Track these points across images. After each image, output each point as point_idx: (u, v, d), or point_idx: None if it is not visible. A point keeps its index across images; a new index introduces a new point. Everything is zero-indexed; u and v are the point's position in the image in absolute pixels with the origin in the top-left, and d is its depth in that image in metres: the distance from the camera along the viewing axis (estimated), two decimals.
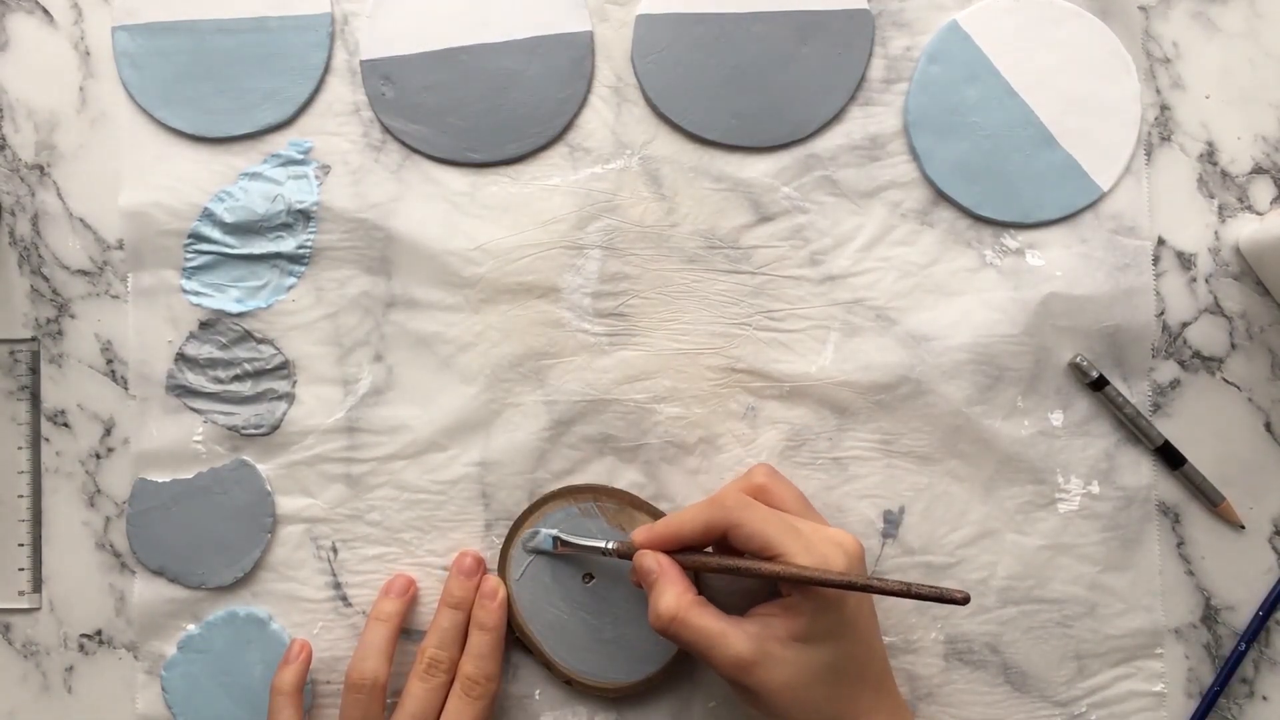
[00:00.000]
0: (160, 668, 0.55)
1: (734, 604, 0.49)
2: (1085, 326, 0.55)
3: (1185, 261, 0.56)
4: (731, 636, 0.46)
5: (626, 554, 0.51)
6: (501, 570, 0.54)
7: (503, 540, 0.55)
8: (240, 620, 0.55)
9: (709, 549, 0.50)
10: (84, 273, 0.57)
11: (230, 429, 0.56)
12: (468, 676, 0.52)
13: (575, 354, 0.55)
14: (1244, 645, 0.55)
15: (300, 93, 0.56)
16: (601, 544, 0.52)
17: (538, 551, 0.54)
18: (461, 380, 0.55)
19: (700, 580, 0.53)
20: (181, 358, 0.56)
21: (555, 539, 0.53)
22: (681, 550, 0.50)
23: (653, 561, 0.49)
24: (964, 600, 0.43)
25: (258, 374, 0.55)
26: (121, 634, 0.56)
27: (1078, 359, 0.55)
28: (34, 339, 0.57)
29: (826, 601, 0.46)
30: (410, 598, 0.54)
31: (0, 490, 0.56)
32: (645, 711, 0.55)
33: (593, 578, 0.54)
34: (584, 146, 0.56)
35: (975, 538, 0.55)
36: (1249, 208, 0.56)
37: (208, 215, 0.56)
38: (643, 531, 0.50)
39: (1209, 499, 0.55)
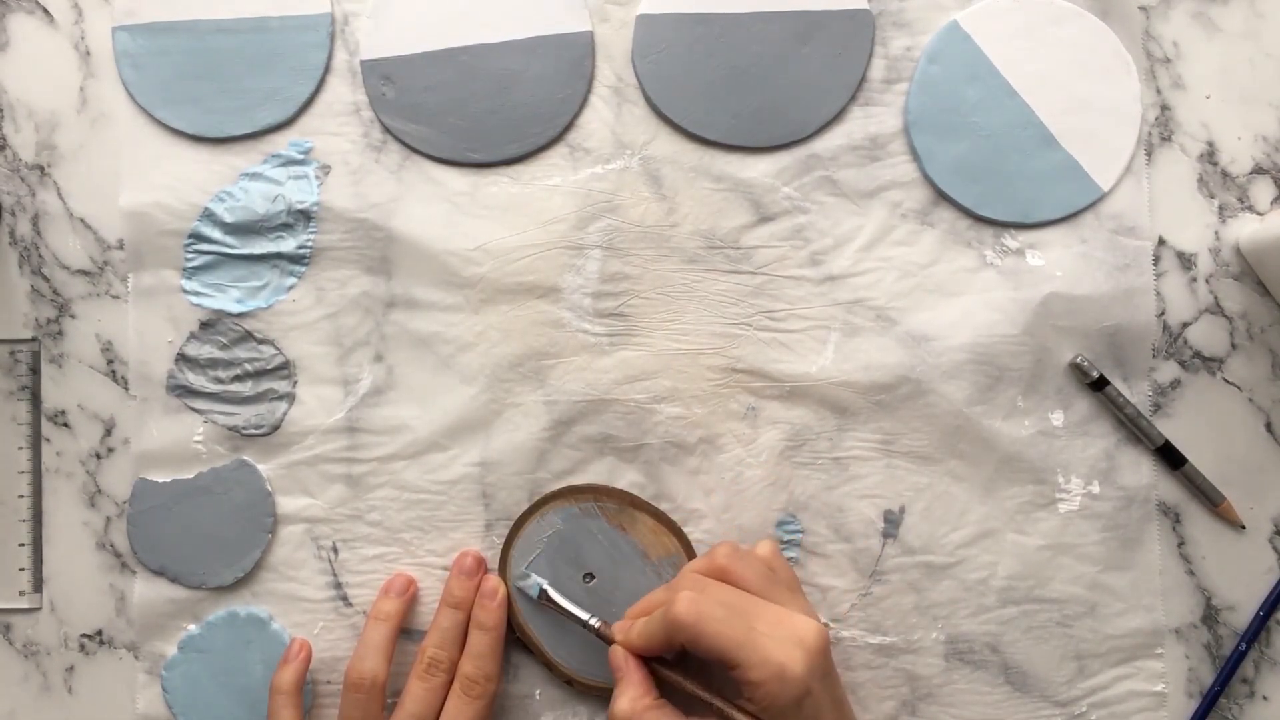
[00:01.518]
0: (161, 668, 0.55)
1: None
2: (1085, 326, 0.55)
3: (1185, 261, 0.56)
4: None
5: (604, 638, 0.51)
6: (502, 570, 0.54)
7: (503, 541, 0.55)
8: (241, 620, 0.55)
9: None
10: (84, 273, 0.57)
11: (231, 429, 0.56)
12: (467, 676, 0.52)
13: (576, 354, 0.55)
14: (1244, 645, 0.55)
15: (300, 93, 0.56)
16: (584, 618, 0.52)
17: (521, 593, 0.54)
18: (462, 380, 0.55)
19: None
20: (182, 358, 0.56)
21: (542, 591, 0.53)
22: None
23: (620, 660, 0.50)
24: None
25: (258, 374, 0.56)
26: (122, 634, 0.56)
27: (1079, 359, 0.55)
28: (34, 339, 0.57)
29: (784, 705, 0.46)
30: (410, 597, 0.54)
31: (0, 490, 0.57)
32: None
33: (593, 577, 0.54)
34: (584, 146, 0.56)
35: (976, 537, 0.55)
36: (1249, 208, 0.56)
37: (208, 215, 0.56)
38: (621, 629, 0.51)
39: (1209, 499, 0.55)
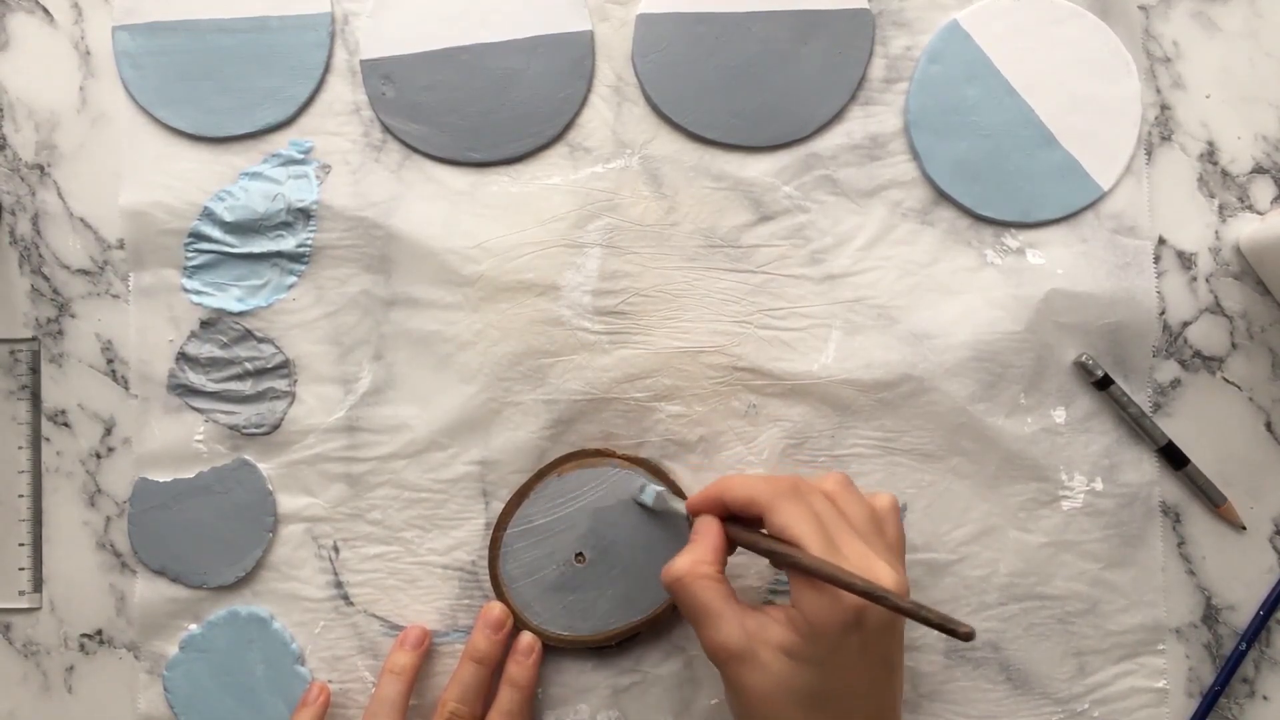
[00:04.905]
0: (162, 667, 0.55)
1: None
2: (1087, 323, 0.55)
3: (1186, 261, 0.56)
4: (725, 621, 0.45)
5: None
6: (492, 551, 0.54)
7: (492, 526, 0.55)
8: (242, 620, 0.55)
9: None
10: (84, 272, 0.56)
11: (231, 428, 0.56)
12: None
13: (575, 352, 0.55)
14: (1245, 645, 0.55)
15: (300, 92, 0.56)
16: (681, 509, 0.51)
17: (638, 503, 0.53)
18: (461, 379, 0.55)
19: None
20: (183, 357, 0.56)
21: (658, 494, 0.52)
22: (732, 518, 0.48)
23: (703, 524, 0.48)
24: (967, 636, 0.40)
25: (258, 373, 0.55)
26: (122, 634, 0.56)
27: (1083, 358, 0.55)
28: (34, 339, 0.57)
29: (826, 627, 0.43)
30: (424, 650, 0.54)
31: (0, 490, 0.56)
32: (647, 707, 0.55)
33: (584, 558, 0.54)
34: (584, 146, 0.56)
35: (978, 535, 0.55)
36: (1249, 207, 0.56)
37: (208, 214, 0.56)
38: (698, 493, 0.49)
39: (1211, 499, 0.55)
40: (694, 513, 0.49)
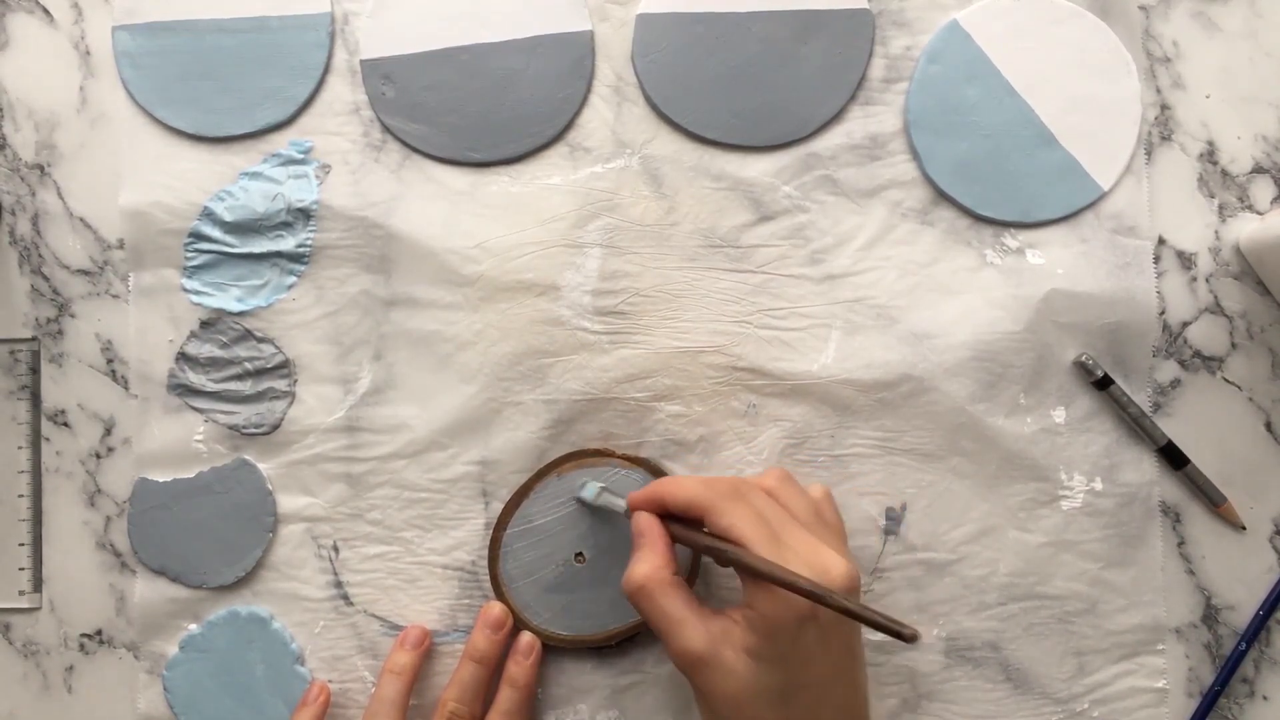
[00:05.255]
0: (162, 667, 0.55)
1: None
2: (1087, 323, 0.55)
3: (1185, 261, 0.56)
4: (689, 628, 0.45)
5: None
6: (492, 551, 0.54)
7: (492, 527, 0.55)
8: (242, 620, 0.55)
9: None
10: (84, 272, 0.56)
11: (231, 428, 0.56)
12: None
13: (575, 352, 0.55)
14: (1244, 645, 0.55)
15: (300, 92, 0.56)
16: (624, 507, 0.51)
17: (579, 500, 0.53)
18: (461, 379, 0.55)
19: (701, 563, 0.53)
20: (183, 357, 0.56)
21: (599, 490, 0.52)
22: (671, 517, 0.48)
23: (645, 524, 0.48)
24: (911, 638, 0.40)
25: (258, 373, 0.55)
26: (122, 634, 0.56)
27: (1084, 358, 0.55)
28: (34, 339, 0.57)
29: (782, 623, 0.44)
30: (424, 650, 0.54)
31: (0, 490, 0.56)
32: (647, 707, 0.55)
33: (584, 558, 0.54)
34: (584, 146, 0.56)
35: (977, 534, 0.55)
36: (1249, 207, 0.56)
37: (208, 214, 0.56)
38: (637, 492, 0.49)
39: (1211, 499, 0.55)
40: (634, 507, 0.49)
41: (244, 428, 0.55)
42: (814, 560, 0.44)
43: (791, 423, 0.55)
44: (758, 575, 0.44)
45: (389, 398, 0.55)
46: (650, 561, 0.46)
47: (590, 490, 0.53)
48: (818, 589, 0.42)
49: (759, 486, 0.48)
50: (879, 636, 0.54)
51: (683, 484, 0.48)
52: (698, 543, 0.47)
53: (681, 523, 0.48)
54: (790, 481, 0.49)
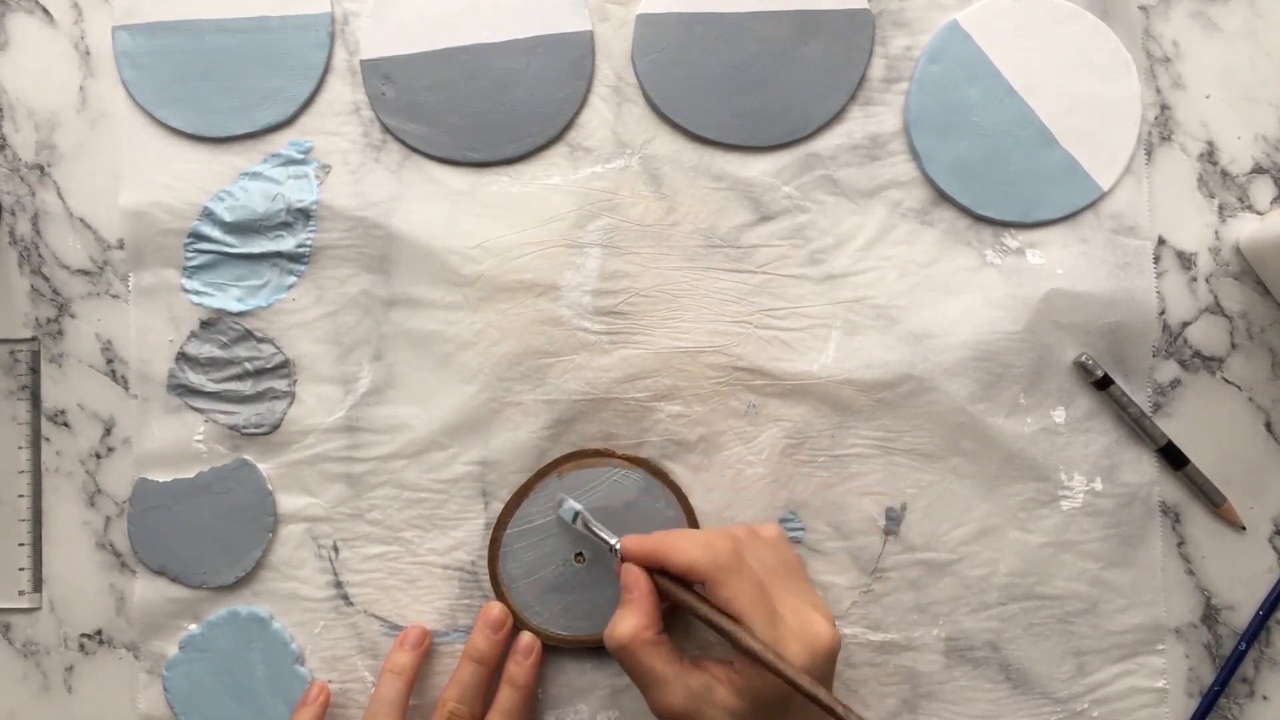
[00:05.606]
0: (162, 667, 0.55)
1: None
2: (1087, 323, 0.55)
3: (1185, 261, 0.56)
4: (671, 685, 0.46)
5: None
6: (492, 551, 0.54)
7: (492, 526, 0.55)
8: (242, 620, 0.55)
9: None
10: (84, 272, 0.57)
11: (231, 428, 0.56)
12: None
13: (575, 352, 0.55)
14: (1244, 645, 0.55)
15: (300, 92, 0.56)
16: (610, 541, 0.51)
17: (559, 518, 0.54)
18: (461, 379, 0.55)
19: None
20: (183, 357, 0.56)
21: (577, 514, 0.53)
22: (665, 573, 0.49)
23: (633, 580, 0.49)
24: None
25: (258, 373, 0.55)
26: (122, 634, 0.56)
27: (1084, 358, 0.55)
28: (34, 339, 0.57)
29: (771, 698, 0.46)
30: (424, 650, 0.54)
31: (0, 490, 0.56)
32: (647, 710, 0.55)
33: (584, 558, 0.54)
34: (584, 146, 0.56)
35: (977, 534, 0.55)
36: (1249, 207, 0.56)
37: (208, 214, 0.56)
38: (634, 540, 0.50)
39: (1211, 499, 0.55)
40: (627, 558, 0.49)
41: (244, 428, 0.55)
42: (805, 634, 0.46)
43: (791, 423, 0.55)
44: (756, 660, 0.45)
45: (389, 398, 0.55)
46: (635, 621, 0.47)
47: (568, 511, 0.53)
48: (819, 693, 0.44)
49: (757, 538, 0.50)
50: (880, 638, 0.54)
51: (682, 548, 0.48)
52: (695, 612, 0.48)
53: (677, 580, 0.49)
54: (755, 536, 0.51)
